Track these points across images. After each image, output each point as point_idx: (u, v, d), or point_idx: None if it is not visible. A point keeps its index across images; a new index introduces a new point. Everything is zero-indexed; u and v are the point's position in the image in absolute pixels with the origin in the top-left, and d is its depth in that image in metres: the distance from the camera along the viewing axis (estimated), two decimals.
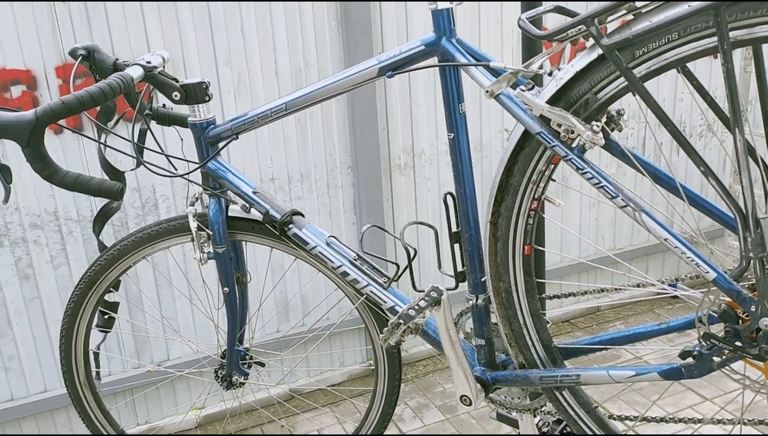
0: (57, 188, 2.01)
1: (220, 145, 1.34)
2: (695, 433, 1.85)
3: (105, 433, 1.51)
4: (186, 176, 1.33)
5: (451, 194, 1.16)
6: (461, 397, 1.18)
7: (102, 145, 1.39)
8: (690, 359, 0.95)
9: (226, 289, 1.41)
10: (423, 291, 1.14)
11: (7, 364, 2.09)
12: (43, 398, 2.12)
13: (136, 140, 1.35)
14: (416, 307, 1.10)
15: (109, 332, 1.55)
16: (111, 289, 1.46)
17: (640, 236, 2.84)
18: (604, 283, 2.82)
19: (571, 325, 2.82)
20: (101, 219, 1.47)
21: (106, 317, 1.52)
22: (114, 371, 2.16)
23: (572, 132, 0.95)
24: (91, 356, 1.49)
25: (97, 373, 1.57)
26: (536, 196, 1.06)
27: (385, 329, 1.12)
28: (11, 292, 2.04)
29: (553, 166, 1.03)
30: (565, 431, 1.42)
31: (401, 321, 1.10)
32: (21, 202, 1.99)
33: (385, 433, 1.61)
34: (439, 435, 2.25)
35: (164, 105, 1.45)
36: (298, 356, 2.10)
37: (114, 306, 1.53)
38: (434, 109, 2.36)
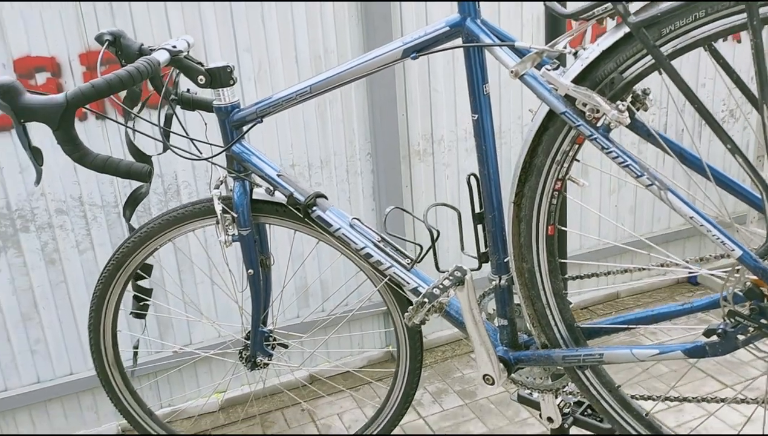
0: (82, 175, 2.05)
1: (245, 128, 1.36)
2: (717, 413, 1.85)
3: (133, 413, 1.54)
4: (211, 160, 1.35)
5: (475, 176, 1.16)
6: (484, 376, 1.20)
7: (129, 130, 1.42)
8: (714, 337, 0.95)
9: (250, 271, 1.43)
10: (446, 272, 1.15)
11: (34, 347, 2.13)
12: (70, 380, 2.16)
13: (161, 125, 1.37)
14: (440, 286, 1.12)
15: (144, 317, 1.58)
16: (143, 274, 1.48)
17: (660, 223, 2.83)
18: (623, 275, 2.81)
19: (590, 312, 2.82)
20: (131, 204, 1.49)
21: (141, 303, 1.55)
22: (139, 355, 2.20)
23: (597, 111, 0.96)
24: (119, 337, 1.52)
25: (132, 372, 1.61)
26: (560, 176, 1.06)
27: (410, 307, 1.13)
28: (38, 276, 2.08)
29: (577, 146, 1.04)
30: (586, 413, 1.43)
31: (426, 300, 1.12)
32: (47, 189, 2.03)
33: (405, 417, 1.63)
34: (462, 435, 2.27)
35: (188, 90, 1.47)
36: (318, 339, 2.12)
37: (148, 292, 1.56)
38: (453, 95, 2.36)
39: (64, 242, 2.08)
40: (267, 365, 1.52)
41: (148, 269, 1.51)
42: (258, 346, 1.50)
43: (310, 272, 2.34)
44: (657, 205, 2.81)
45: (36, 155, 1.20)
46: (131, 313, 1.53)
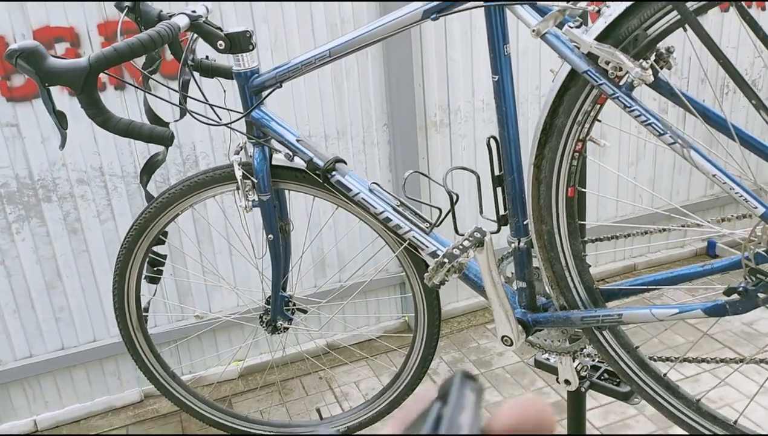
0: (102, 145, 2.07)
1: (264, 94, 1.36)
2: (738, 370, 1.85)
3: (157, 375, 1.58)
4: (230, 125, 1.36)
5: (494, 138, 1.16)
6: (502, 337, 1.21)
7: (148, 95, 1.43)
8: (735, 296, 0.95)
9: (270, 236, 1.44)
10: (466, 233, 1.16)
11: (58, 315, 2.18)
12: (93, 347, 2.21)
13: (180, 91, 1.38)
14: (460, 246, 1.12)
15: (158, 282, 1.61)
16: (161, 237, 1.50)
17: (679, 195, 2.81)
18: (641, 244, 2.80)
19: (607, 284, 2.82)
20: (148, 170, 1.50)
21: (155, 268, 1.57)
22: (159, 323, 2.24)
23: (620, 69, 0.95)
24: (143, 302, 1.55)
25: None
26: (581, 137, 1.06)
27: (430, 267, 1.14)
28: (60, 245, 2.12)
29: (599, 106, 1.03)
30: (603, 377, 1.44)
31: (446, 260, 1.12)
32: (68, 159, 2.06)
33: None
34: None
35: (207, 57, 1.47)
36: (336, 306, 2.15)
37: (162, 258, 1.58)
38: (470, 65, 2.34)
39: (86, 212, 2.12)
40: (287, 329, 1.54)
41: (164, 236, 1.53)
42: (278, 310, 1.52)
43: (327, 243, 2.36)
44: (675, 177, 2.79)
45: (60, 119, 1.21)
46: (145, 277, 1.55)
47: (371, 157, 2.36)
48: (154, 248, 1.54)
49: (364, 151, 2.34)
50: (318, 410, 1.63)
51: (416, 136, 2.35)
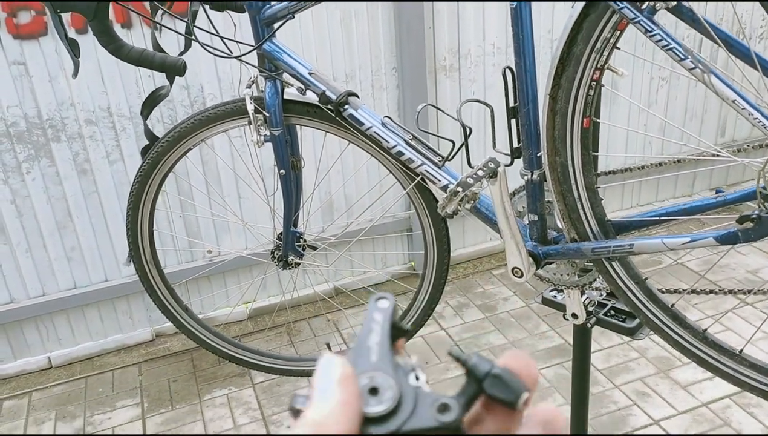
0: (110, 85, 2.06)
1: (276, 25, 1.35)
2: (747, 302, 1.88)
3: (171, 308, 1.61)
4: (242, 58, 1.34)
5: (510, 68, 1.15)
6: (513, 269, 1.22)
7: (157, 26, 1.41)
8: (748, 223, 0.96)
9: (282, 171, 1.45)
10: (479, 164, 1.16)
11: (70, 254, 2.20)
12: (105, 287, 2.25)
13: (189, 22, 1.36)
14: (474, 175, 1.13)
15: None
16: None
17: (690, 144, 2.79)
18: (649, 193, 2.80)
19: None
20: (149, 103, 1.47)
21: None
22: (169, 264, 2.27)
23: None
24: (156, 236, 1.56)
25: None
26: (599, 65, 1.05)
27: (443, 196, 1.15)
28: (70, 186, 2.13)
29: (618, 33, 1.02)
30: (609, 314, 1.46)
31: (459, 189, 1.13)
32: (76, 99, 2.05)
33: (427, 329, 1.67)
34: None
35: None
36: (344, 246, 2.17)
37: None
38: (481, 7, 2.30)
39: (95, 153, 2.12)
40: (298, 264, 1.56)
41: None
42: (290, 246, 1.53)
43: (335, 186, 2.37)
44: (687, 126, 2.77)
45: (73, 46, 1.20)
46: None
47: (380, 102, 2.34)
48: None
49: (372, 95, 2.33)
50: (327, 345, 1.66)
51: (425, 80, 2.33)
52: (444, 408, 0.29)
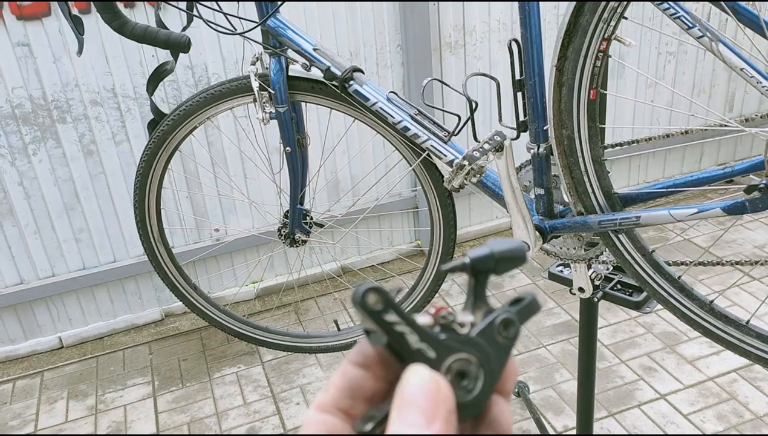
0: (114, 65, 2.06)
1: (279, 1, 1.34)
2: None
3: (179, 287, 1.62)
4: (246, 35, 1.34)
5: (516, 41, 1.14)
6: None
7: (160, 4, 1.40)
8: (755, 193, 0.96)
9: (288, 148, 1.44)
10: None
11: (78, 236, 2.22)
12: (113, 267, 2.26)
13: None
14: (480, 149, 1.13)
15: None
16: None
17: (697, 120, 2.77)
18: (656, 169, 2.79)
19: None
20: (155, 79, 1.46)
21: None
22: (177, 244, 2.28)
23: None
24: (164, 214, 1.57)
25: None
26: (606, 35, 1.04)
27: (450, 170, 1.15)
28: (77, 167, 2.14)
29: (625, 2, 1.01)
30: (616, 288, 1.46)
31: (466, 162, 1.13)
32: (80, 79, 2.05)
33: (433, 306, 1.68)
34: None
35: None
36: (350, 224, 2.17)
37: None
38: None
39: (101, 134, 2.12)
40: (305, 242, 1.56)
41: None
42: (297, 223, 1.54)
43: (340, 164, 2.37)
44: (695, 98, 2.75)
45: (77, 24, 1.20)
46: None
47: (384, 80, 2.33)
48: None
49: (377, 73, 2.32)
50: (335, 322, 1.67)
51: (431, 57, 2.31)
52: (507, 324, 0.31)
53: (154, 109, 1.48)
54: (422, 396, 0.27)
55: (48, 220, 2.17)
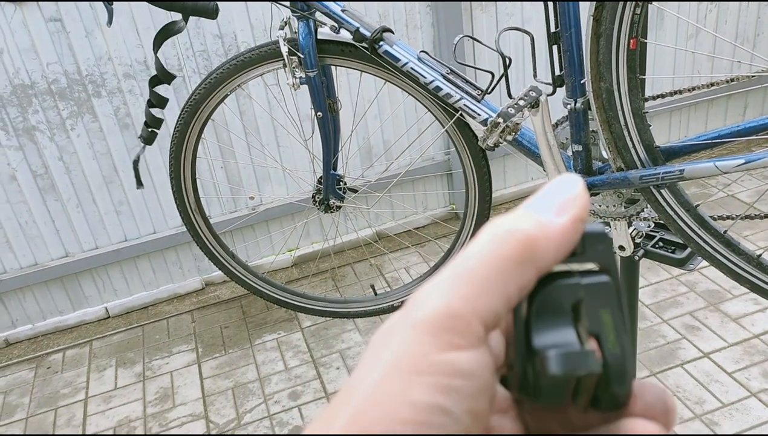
0: (145, 38, 2.07)
1: None
2: None
3: (217, 255, 1.64)
4: None
5: None
6: None
7: None
8: None
9: (319, 113, 1.44)
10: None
11: (118, 208, 2.27)
12: (154, 238, 2.31)
13: None
14: (516, 105, 1.10)
15: (152, 143, 1.50)
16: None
17: (741, 69, 2.65)
18: (698, 123, 2.70)
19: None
20: (162, 36, 1.41)
21: (150, 130, 1.49)
22: (213, 214, 2.31)
23: None
24: (199, 184, 1.58)
25: (139, 181, 1.55)
26: None
27: (485, 129, 1.12)
28: (114, 141, 2.17)
29: None
30: (657, 245, 1.43)
31: (501, 120, 1.10)
32: (113, 53, 2.06)
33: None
34: None
35: None
36: (384, 189, 2.16)
37: (158, 122, 1.50)
38: None
39: (135, 107, 2.15)
40: (339, 208, 1.56)
41: (163, 102, 1.47)
42: (330, 189, 1.54)
43: (372, 129, 2.35)
44: (737, 51, 2.63)
45: None
46: (139, 137, 1.50)
47: (414, 42, 2.29)
48: (151, 110, 1.46)
49: (407, 34, 2.27)
50: (372, 286, 1.68)
51: (461, 16, 2.26)
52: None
53: (159, 66, 1.44)
54: (560, 190, 0.26)
55: (89, 193, 2.22)
